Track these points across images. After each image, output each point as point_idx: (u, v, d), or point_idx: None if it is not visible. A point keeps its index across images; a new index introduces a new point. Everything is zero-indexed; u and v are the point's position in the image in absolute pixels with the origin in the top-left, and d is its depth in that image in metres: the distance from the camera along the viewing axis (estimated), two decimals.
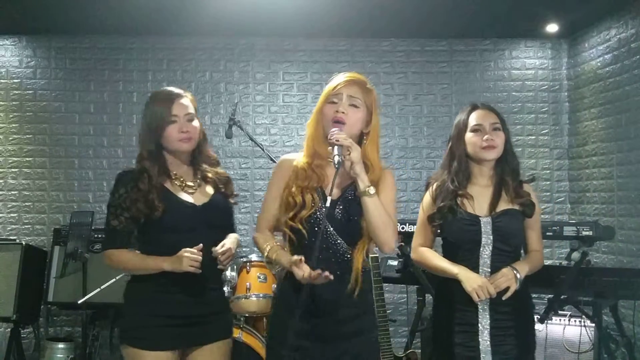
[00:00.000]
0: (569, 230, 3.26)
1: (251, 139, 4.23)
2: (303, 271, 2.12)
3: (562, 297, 3.43)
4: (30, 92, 5.18)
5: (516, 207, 2.55)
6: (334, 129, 2.21)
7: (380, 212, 2.21)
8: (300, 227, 2.24)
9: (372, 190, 2.20)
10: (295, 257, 2.16)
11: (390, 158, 5.24)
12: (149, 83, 5.23)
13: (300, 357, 2.24)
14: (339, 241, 2.26)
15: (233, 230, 2.58)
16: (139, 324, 2.42)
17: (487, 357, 2.43)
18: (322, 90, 2.36)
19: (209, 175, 2.55)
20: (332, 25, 4.91)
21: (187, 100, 2.48)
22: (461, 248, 2.53)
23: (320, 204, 2.25)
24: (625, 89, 4.43)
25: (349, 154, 2.15)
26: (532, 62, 5.30)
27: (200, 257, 2.32)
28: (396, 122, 5.28)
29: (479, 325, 2.47)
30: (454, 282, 2.47)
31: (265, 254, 2.31)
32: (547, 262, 4.88)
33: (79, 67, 5.21)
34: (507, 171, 2.58)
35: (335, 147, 2.17)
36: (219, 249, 2.37)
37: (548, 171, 5.25)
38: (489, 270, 2.49)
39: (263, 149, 4.27)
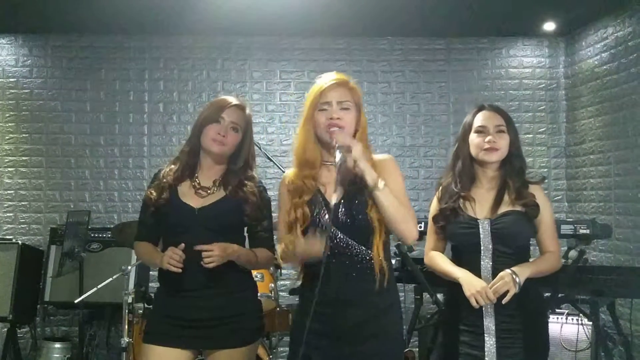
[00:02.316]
0: (566, 229, 3.25)
1: None
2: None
3: (559, 295, 3.43)
4: (26, 91, 5.17)
5: (518, 208, 2.48)
6: (333, 128, 2.19)
7: (394, 204, 2.14)
8: None
9: (381, 184, 2.12)
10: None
11: None
12: (146, 82, 5.22)
13: (320, 356, 2.17)
14: (350, 243, 2.19)
15: (238, 233, 2.53)
16: (149, 320, 2.65)
17: (492, 359, 2.39)
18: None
19: (234, 184, 2.49)
20: (329, 24, 4.90)
21: (240, 112, 2.50)
22: (464, 252, 2.51)
23: (316, 212, 2.20)
24: (622, 87, 4.43)
25: (351, 152, 2.11)
26: (530, 61, 5.30)
27: (178, 256, 2.34)
28: (393, 120, 5.28)
29: (484, 327, 2.43)
30: (459, 285, 2.45)
31: (281, 252, 2.26)
32: None
33: (75, 66, 5.20)
34: (510, 173, 2.51)
35: (337, 151, 2.13)
36: (202, 246, 2.36)
37: (545, 169, 5.24)
38: (491, 273, 2.44)
39: (260, 148, 4.19)
